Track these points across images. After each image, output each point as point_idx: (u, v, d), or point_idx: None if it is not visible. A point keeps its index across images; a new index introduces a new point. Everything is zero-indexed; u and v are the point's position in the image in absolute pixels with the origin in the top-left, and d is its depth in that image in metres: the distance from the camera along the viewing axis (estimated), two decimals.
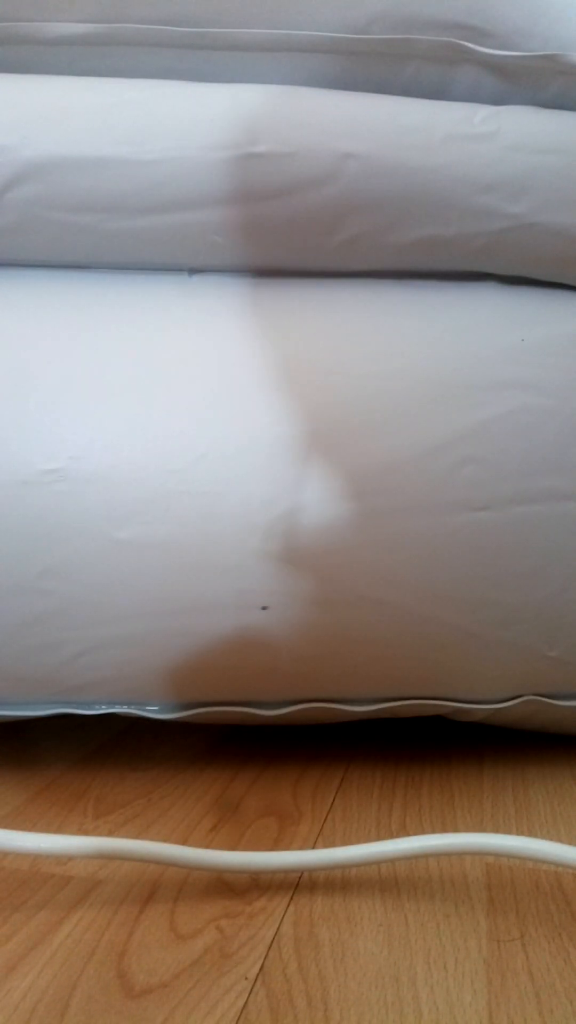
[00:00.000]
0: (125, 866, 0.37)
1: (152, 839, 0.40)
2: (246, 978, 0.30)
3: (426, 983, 0.30)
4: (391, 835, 0.40)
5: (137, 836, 0.41)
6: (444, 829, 0.42)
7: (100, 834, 0.41)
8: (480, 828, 0.42)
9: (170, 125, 0.39)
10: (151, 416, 0.41)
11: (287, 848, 0.39)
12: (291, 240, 0.42)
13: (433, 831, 0.41)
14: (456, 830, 0.41)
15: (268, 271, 0.44)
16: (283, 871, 0.36)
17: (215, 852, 0.35)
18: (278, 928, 0.33)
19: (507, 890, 0.36)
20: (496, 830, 0.42)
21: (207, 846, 0.39)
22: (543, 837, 0.40)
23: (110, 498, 0.40)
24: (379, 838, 0.40)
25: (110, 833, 0.41)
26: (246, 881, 0.36)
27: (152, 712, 0.45)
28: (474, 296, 0.44)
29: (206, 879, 0.37)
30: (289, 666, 0.43)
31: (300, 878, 0.37)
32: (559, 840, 0.37)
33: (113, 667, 0.43)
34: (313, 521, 0.41)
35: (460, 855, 0.38)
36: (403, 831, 0.41)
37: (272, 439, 0.41)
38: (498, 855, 0.35)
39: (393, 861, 0.37)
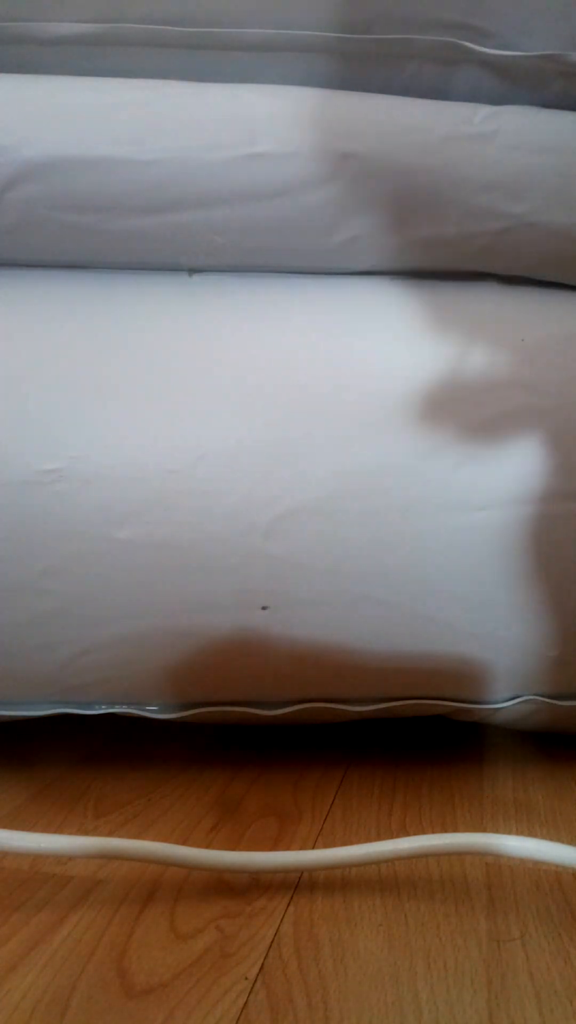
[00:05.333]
0: (125, 866, 0.37)
1: (152, 839, 0.40)
2: (246, 978, 0.30)
3: (426, 983, 0.30)
4: (391, 835, 0.40)
5: (137, 836, 0.41)
6: (444, 829, 0.41)
7: (100, 834, 0.41)
8: (480, 828, 0.42)
9: (170, 125, 0.39)
10: (151, 416, 0.41)
11: (287, 848, 0.39)
12: (291, 240, 0.42)
13: (433, 831, 0.41)
14: (456, 830, 0.41)
15: (268, 271, 0.44)
16: (283, 871, 0.36)
17: (215, 852, 0.35)
18: (278, 928, 0.33)
19: (507, 890, 0.36)
20: (496, 830, 0.42)
21: (207, 846, 0.39)
22: (543, 837, 0.40)
23: (110, 498, 0.40)
24: (379, 838, 0.40)
25: (110, 833, 0.41)
26: (246, 881, 0.36)
27: (152, 712, 0.45)
28: (474, 296, 0.44)
29: (206, 879, 0.37)
30: (289, 666, 0.43)
31: (300, 878, 0.37)
32: (559, 840, 0.37)
33: (113, 667, 0.43)
34: (313, 521, 0.41)
35: (460, 855, 0.38)
36: (403, 831, 0.41)
37: (272, 439, 0.41)
38: (498, 855, 0.35)
39: (393, 861, 0.37)
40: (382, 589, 0.41)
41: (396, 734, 0.54)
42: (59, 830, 0.41)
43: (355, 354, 0.42)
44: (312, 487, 0.40)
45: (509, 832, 0.41)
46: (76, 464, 0.40)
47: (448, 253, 0.42)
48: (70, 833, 0.41)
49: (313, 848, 0.39)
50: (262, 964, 0.31)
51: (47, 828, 0.41)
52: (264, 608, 0.41)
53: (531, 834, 0.41)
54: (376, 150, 0.39)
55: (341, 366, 0.42)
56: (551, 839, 0.36)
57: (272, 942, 0.32)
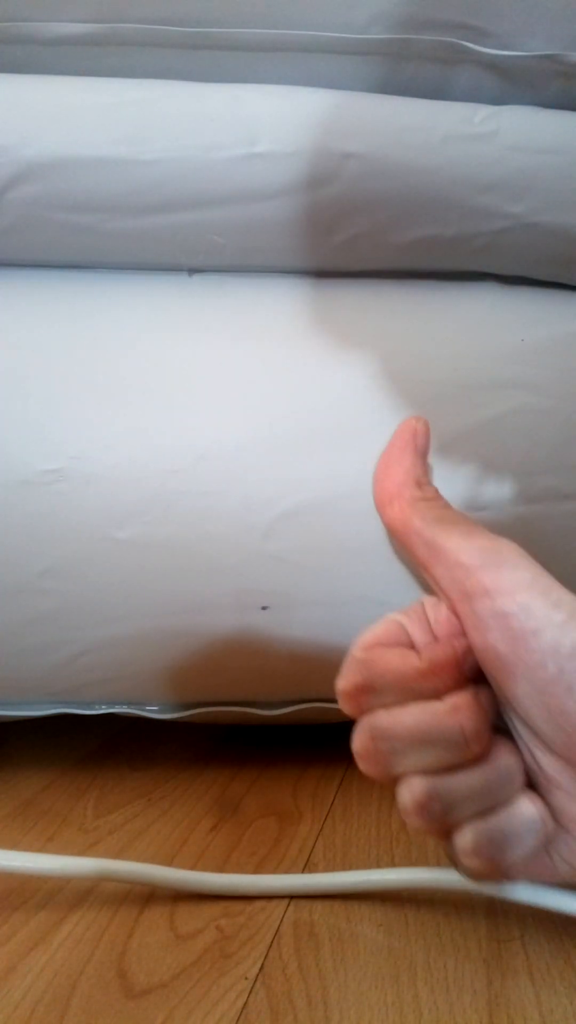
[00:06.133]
0: None
1: (152, 839, 0.40)
2: (246, 978, 0.30)
3: (426, 983, 0.30)
4: (391, 835, 0.41)
5: (137, 836, 0.41)
6: None
7: (100, 833, 0.41)
8: None
9: (170, 125, 0.39)
10: (151, 416, 0.41)
11: (287, 848, 0.39)
12: (291, 240, 0.42)
13: None
14: None
15: (268, 271, 0.44)
16: (280, 896, 0.35)
17: (205, 875, 0.35)
18: (278, 928, 0.33)
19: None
20: None
21: (207, 846, 0.40)
22: None
23: (110, 498, 0.40)
24: (379, 838, 0.40)
25: (110, 832, 0.41)
26: None
27: (152, 712, 0.45)
28: (474, 296, 0.44)
29: None
30: (289, 666, 0.43)
31: None
32: None
33: (113, 667, 0.43)
34: (313, 521, 0.41)
35: None
36: (403, 831, 0.41)
37: (272, 439, 0.41)
38: None
39: (386, 890, 0.37)
40: (382, 588, 0.41)
41: None
42: (59, 830, 0.41)
43: (355, 354, 0.42)
44: (312, 487, 0.40)
45: None
46: (76, 464, 0.40)
47: (448, 253, 0.42)
48: (70, 833, 0.41)
49: (313, 848, 0.40)
50: (262, 964, 0.31)
51: (47, 828, 0.41)
52: (264, 608, 0.41)
53: None
54: (376, 150, 0.39)
55: (339, 366, 0.42)
56: None
57: (272, 942, 0.32)
